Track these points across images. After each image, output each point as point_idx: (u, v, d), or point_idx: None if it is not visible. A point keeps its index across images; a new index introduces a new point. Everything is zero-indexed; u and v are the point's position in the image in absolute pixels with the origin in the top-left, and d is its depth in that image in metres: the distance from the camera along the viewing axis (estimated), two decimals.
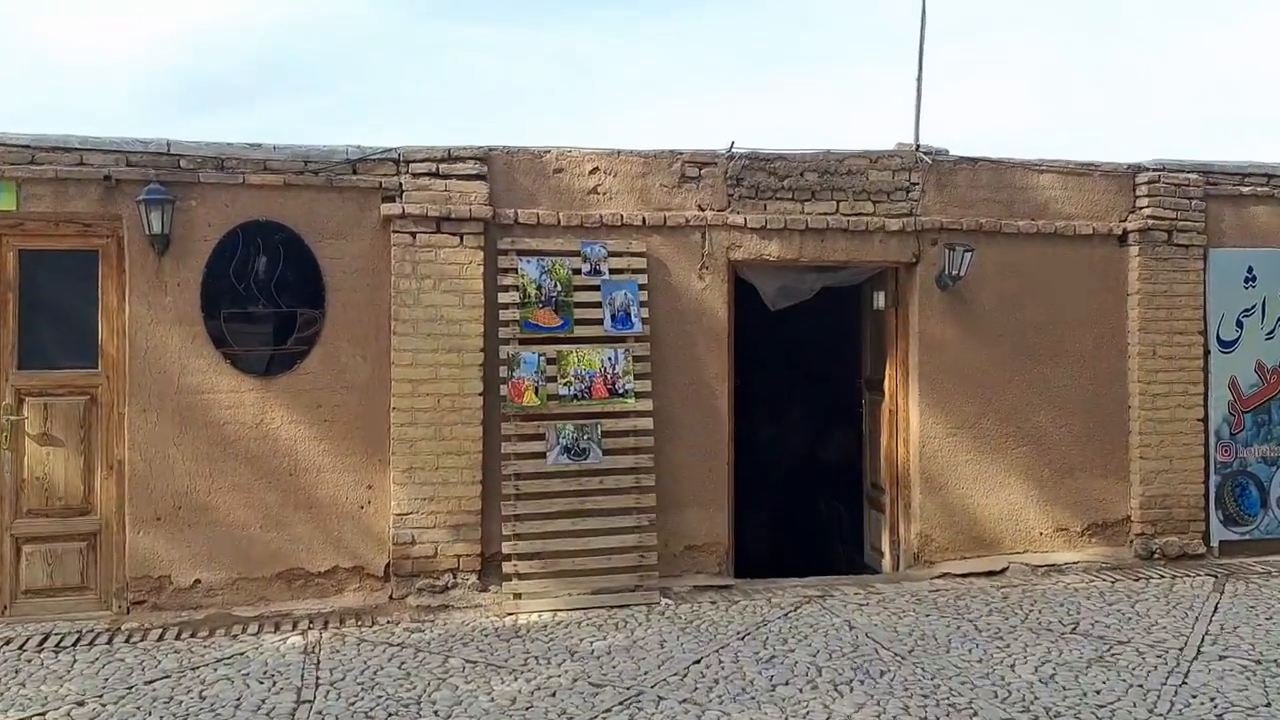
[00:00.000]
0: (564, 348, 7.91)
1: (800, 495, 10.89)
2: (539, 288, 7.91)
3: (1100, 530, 8.98)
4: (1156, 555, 8.89)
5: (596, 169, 8.22)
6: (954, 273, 8.52)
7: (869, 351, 9.42)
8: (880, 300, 9.23)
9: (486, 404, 7.85)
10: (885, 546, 8.98)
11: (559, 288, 7.96)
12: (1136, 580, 8.37)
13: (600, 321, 8.01)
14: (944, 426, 8.71)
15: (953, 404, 8.73)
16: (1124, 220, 9.04)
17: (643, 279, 8.14)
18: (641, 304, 8.08)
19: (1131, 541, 9.00)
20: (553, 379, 7.86)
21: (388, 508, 7.78)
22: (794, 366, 12.15)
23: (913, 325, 8.75)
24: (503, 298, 7.90)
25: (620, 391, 7.94)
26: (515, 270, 7.90)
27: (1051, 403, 8.90)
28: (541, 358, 7.85)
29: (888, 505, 8.93)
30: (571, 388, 7.88)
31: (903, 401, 8.83)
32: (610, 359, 7.95)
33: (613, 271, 8.09)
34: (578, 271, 8.03)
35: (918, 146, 8.80)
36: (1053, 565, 8.73)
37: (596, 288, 8.04)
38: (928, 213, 8.71)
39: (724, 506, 8.37)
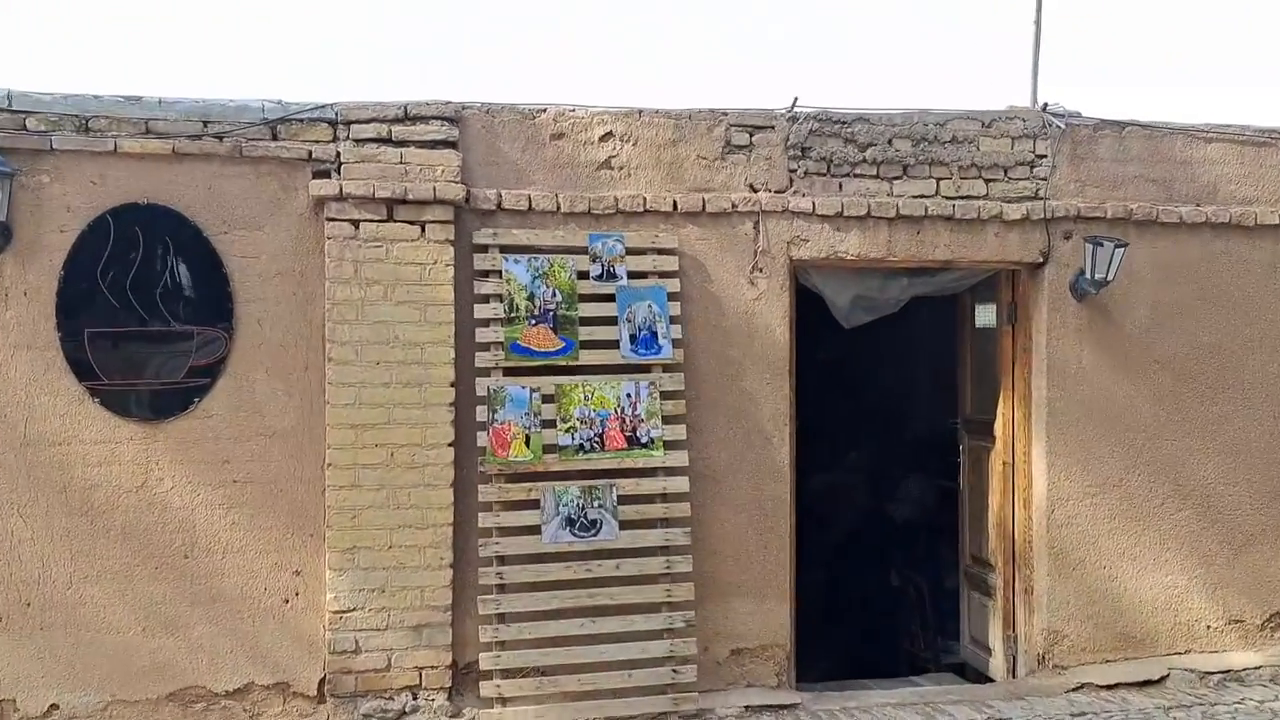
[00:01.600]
0: (566, 380, 5.70)
1: (864, 562, 8.56)
2: (531, 297, 5.70)
3: None
4: None
5: (610, 135, 5.99)
6: (1098, 276, 6.23)
7: (970, 383, 7.12)
8: (988, 315, 6.95)
9: (459, 458, 5.64)
10: (995, 641, 6.69)
11: (559, 298, 5.74)
12: None
13: (616, 344, 5.79)
14: (1080, 484, 6.42)
15: (1092, 454, 6.44)
16: None
17: (674, 285, 5.91)
18: (672, 320, 5.85)
19: None
20: (551, 424, 5.64)
21: (322, 602, 5.57)
22: (854, 396, 9.87)
23: (1038, 348, 6.47)
24: (481, 311, 5.69)
25: (643, 441, 5.71)
26: (499, 273, 5.69)
27: (1223, 451, 6.59)
28: (535, 394, 5.63)
29: (999, 588, 6.63)
30: (576, 435, 5.65)
31: (1023, 450, 6.55)
32: (629, 395, 5.73)
33: (632, 275, 5.87)
34: (585, 275, 5.81)
35: (1044, 106, 6.53)
36: (1228, 671, 6.41)
37: (611, 297, 5.82)
38: (1059, 195, 6.43)
39: (784, 595, 6.11)
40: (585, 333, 5.76)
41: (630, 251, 5.88)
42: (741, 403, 6.05)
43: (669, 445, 5.76)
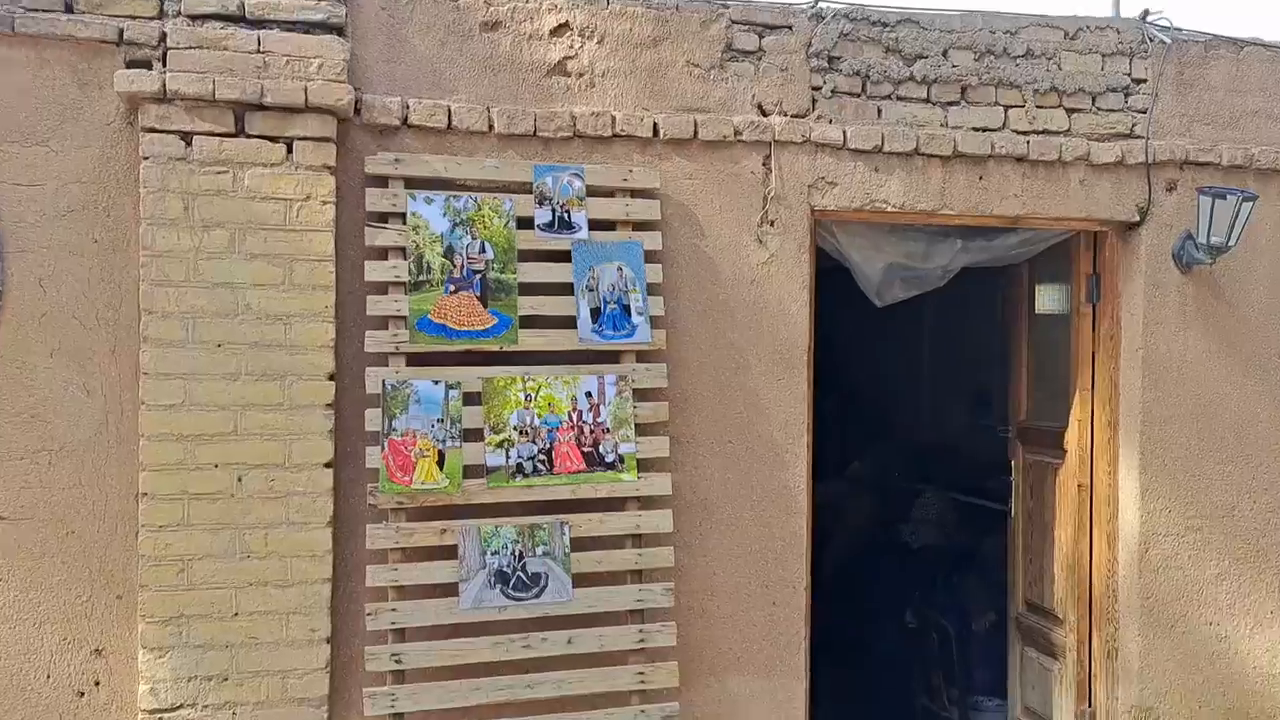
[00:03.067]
0: (499, 373, 3.90)
1: (873, 598, 6.82)
2: (450, 253, 3.89)
3: None
4: None
5: (566, 27, 4.17)
6: (1214, 240, 4.55)
7: (1026, 380, 5.40)
8: (1052, 298, 5.25)
9: (341, 486, 3.82)
10: (1063, 717, 5.01)
11: (490, 255, 3.94)
12: None
13: (572, 322, 4.01)
14: (1182, 515, 4.75)
15: (1198, 475, 4.77)
16: None
17: (653, 241, 4.13)
18: (650, 290, 4.09)
19: None
20: (476, 435, 3.84)
21: (132, 694, 3.74)
22: (858, 391, 8.18)
23: (1130, 335, 4.77)
24: (376, 272, 3.85)
25: (609, 459, 3.93)
26: (403, 218, 3.89)
27: None
28: (453, 393, 3.82)
29: (1070, 648, 4.94)
30: (513, 453, 3.85)
31: (1106, 469, 4.85)
32: (590, 395, 3.95)
33: (595, 226, 4.08)
34: (528, 224, 4.02)
35: (1143, 14, 4.83)
36: None
37: (565, 256, 4.03)
38: (1162, 133, 4.74)
39: (798, 670, 4.36)
40: (528, 305, 3.96)
41: (593, 192, 4.09)
42: (745, 406, 4.28)
43: (645, 466, 3.98)
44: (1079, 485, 4.90)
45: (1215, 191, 4.53)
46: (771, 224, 4.34)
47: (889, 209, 4.47)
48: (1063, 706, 4.97)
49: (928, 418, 7.84)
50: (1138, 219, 4.71)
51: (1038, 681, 5.18)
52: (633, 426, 3.97)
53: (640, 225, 4.13)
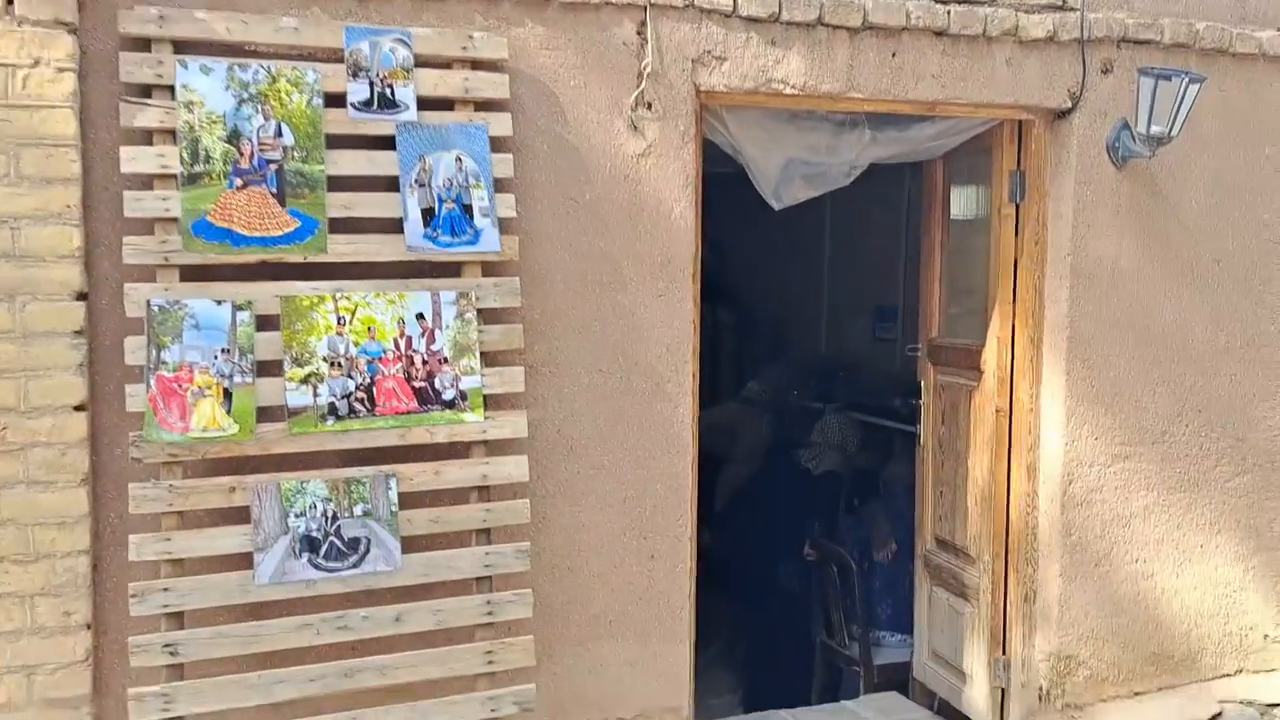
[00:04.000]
0: (301, 289, 3.07)
1: (771, 528, 6.21)
2: (235, 138, 3.02)
3: None
4: None
5: None
6: (1155, 129, 3.89)
7: (939, 293, 4.74)
8: (967, 202, 4.57)
9: (97, 434, 2.97)
10: (975, 666, 4.46)
11: (289, 140, 3.08)
12: None
13: (397, 225, 3.19)
14: (1110, 443, 4.19)
15: (1128, 398, 4.20)
16: None
17: (502, 125, 3.30)
18: (499, 186, 3.28)
19: None
20: (273, 369, 3.03)
21: None
22: (754, 305, 7.51)
23: (1058, 240, 4.13)
24: (134, 160, 2.91)
25: (448, 397, 3.15)
26: (171, 90, 2.99)
27: None
28: (242, 316, 2.98)
29: (984, 590, 4.39)
30: (323, 390, 3.05)
31: (1026, 393, 4.24)
32: (423, 317, 3.15)
33: (426, 105, 3.22)
34: (337, 101, 3.16)
35: None
36: None
37: (388, 142, 3.19)
38: (1098, 4, 4.06)
39: (681, 633, 3.68)
40: (339, 204, 3.11)
41: (423, 63, 3.23)
42: (619, 328, 3.53)
43: (494, 403, 3.22)
44: (997, 410, 4.29)
45: (1158, 73, 3.87)
46: (649, 107, 3.54)
47: (788, 91, 3.70)
48: (974, 654, 4.43)
49: (831, 332, 7.22)
50: (1069, 105, 4.03)
51: (947, 625, 4.63)
52: (478, 355, 3.18)
53: (485, 105, 3.30)
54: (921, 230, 4.79)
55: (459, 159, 3.22)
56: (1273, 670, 4.46)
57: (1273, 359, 4.38)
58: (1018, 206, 4.20)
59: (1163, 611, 4.30)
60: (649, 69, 3.50)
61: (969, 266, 4.50)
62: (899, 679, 5.13)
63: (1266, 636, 4.46)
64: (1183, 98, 3.86)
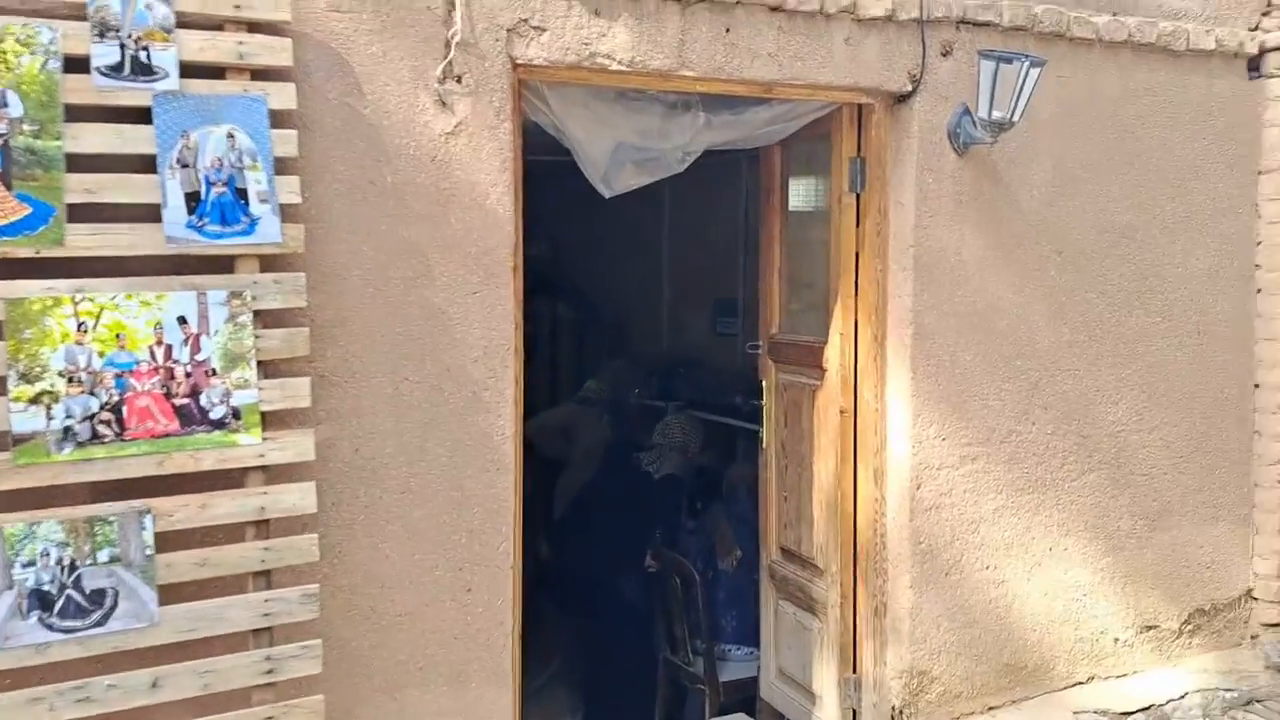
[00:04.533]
0: (32, 289, 2.53)
1: (611, 537, 5.84)
2: None
3: (1207, 621, 4.62)
4: None
5: None
6: (996, 114, 3.71)
7: (778, 287, 4.48)
8: (806, 193, 4.32)
9: None
10: (824, 685, 4.19)
11: (16, 109, 2.55)
12: None
13: (154, 213, 2.68)
14: (958, 443, 3.99)
15: (975, 396, 4.02)
16: (1256, 25, 4.55)
17: (284, 98, 2.82)
18: (279, 166, 2.82)
19: (1254, 638, 4.70)
20: None
21: None
22: (592, 300, 7.16)
23: (900, 230, 3.89)
24: None
25: (216, 415, 2.67)
26: None
27: (1138, 384, 4.36)
28: None
29: (832, 604, 4.14)
30: (57, 411, 2.52)
31: (871, 392, 4.01)
32: (185, 322, 2.66)
33: (191, 72, 2.73)
34: (80, 65, 2.63)
35: None
36: (1149, 709, 4.25)
37: (143, 113, 2.68)
38: None
39: (504, 675, 3.27)
40: (81, 188, 2.58)
41: (186, 23, 2.72)
42: (428, 329, 3.10)
43: (274, 421, 2.75)
44: (841, 411, 4.05)
45: (999, 55, 3.69)
46: (458, 80, 3.13)
47: (614, 67, 3.35)
48: (824, 673, 4.17)
49: (673, 328, 6.94)
50: (910, 88, 3.81)
51: (795, 642, 4.37)
52: (254, 365, 2.71)
53: (263, 74, 2.82)
54: (760, 221, 4.52)
55: (231, 135, 2.75)
56: (1124, 675, 4.37)
57: (1114, 352, 4.28)
58: (858, 196, 3.97)
59: (1014, 620, 4.14)
60: (457, 38, 3.09)
61: (810, 259, 4.26)
62: (748, 696, 4.85)
63: (1117, 640, 4.36)
64: (1023, 82, 3.69)
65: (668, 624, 5.33)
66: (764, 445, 4.51)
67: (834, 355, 4.06)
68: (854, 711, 4.08)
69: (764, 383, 4.50)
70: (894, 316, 3.93)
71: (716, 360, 6.40)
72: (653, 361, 6.68)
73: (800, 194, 4.34)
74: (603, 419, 6.31)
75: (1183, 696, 4.30)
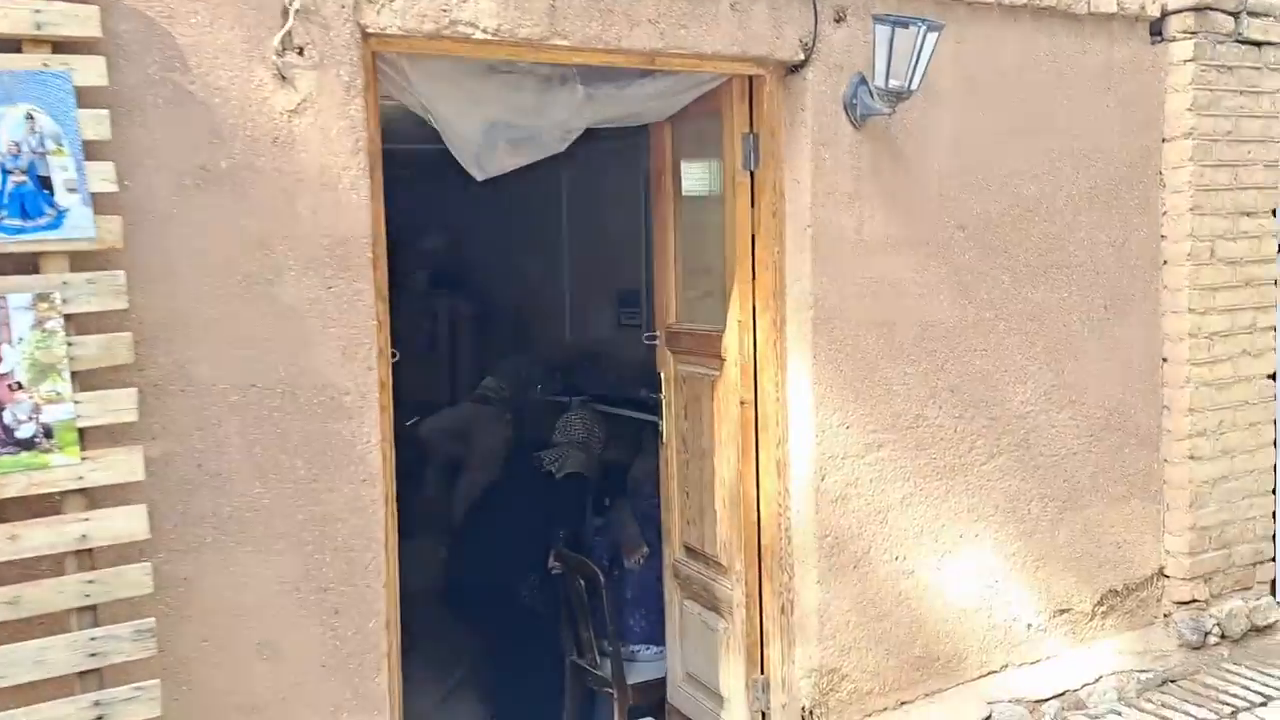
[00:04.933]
0: None
1: (513, 539, 5.56)
2: None
3: (1120, 601, 4.51)
4: (1212, 637, 4.56)
5: None
6: (894, 83, 3.52)
7: (674, 274, 4.24)
8: (700, 177, 4.10)
9: None
10: (730, 688, 3.98)
11: None
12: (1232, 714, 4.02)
13: None
14: (861, 430, 3.81)
15: (879, 380, 3.83)
16: None
17: (92, 70, 2.50)
18: (90, 151, 2.49)
19: (1167, 616, 4.61)
20: None
21: None
22: (489, 294, 6.85)
23: (797, 210, 3.69)
24: None
25: (20, 434, 2.36)
26: None
27: (1044, 361, 4.22)
28: None
29: (737, 603, 3.93)
30: None
31: (772, 381, 3.80)
32: None
33: None
34: None
35: None
36: (1063, 694, 4.14)
37: None
38: None
39: (379, 701, 2.97)
40: None
41: None
42: (277, 329, 2.80)
43: (96, 438, 2.43)
44: (741, 402, 3.84)
45: (895, 19, 3.49)
46: (300, 52, 2.82)
47: (478, 36, 3.07)
48: (731, 674, 3.97)
49: (575, 320, 6.69)
50: (802, 58, 3.60)
51: (701, 643, 4.16)
52: (67, 377, 2.39)
53: (67, 46, 2.50)
54: (652, 205, 4.28)
55: (30, 116, 2.42)
56: (1038, 661, 4.24)
57: (1020, 330, 4.14)
58: (752, 174, 3.76)
59: (926, 611, 3.98)
60: (296, 4, 2.78)
61: (706, 244, 4.03)
62: (660, 698, 4.64)
63: (1030, 626, 4.23)
64: (921, 47, 3.50)
65: (573, 626, 5.08)
66: (664, 440, 4.28)
67: (732, 344, 3.85)
68: (763, 714, 3.88)
69: (662, 375, 4.27)
70: (793, 301, 3.72)
71: (621, 352, 6.16)
72: (554, 355, 6.42)
73: (694, 176, 4.11)
74: (503, 417, 6.03)
75: (1097, 680, 4.20)
